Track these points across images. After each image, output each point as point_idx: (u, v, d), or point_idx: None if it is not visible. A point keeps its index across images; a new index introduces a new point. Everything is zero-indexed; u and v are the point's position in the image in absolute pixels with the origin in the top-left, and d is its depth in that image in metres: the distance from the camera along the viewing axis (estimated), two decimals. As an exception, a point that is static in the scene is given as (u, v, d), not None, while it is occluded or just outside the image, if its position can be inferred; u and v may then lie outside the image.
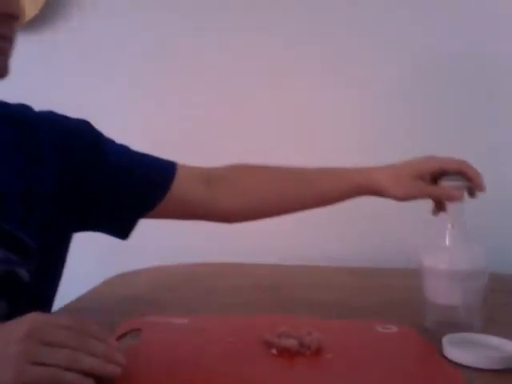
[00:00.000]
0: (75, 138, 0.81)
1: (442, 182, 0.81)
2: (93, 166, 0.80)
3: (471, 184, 0.80)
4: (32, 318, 0.53)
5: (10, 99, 0.87)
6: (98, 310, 0.91)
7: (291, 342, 0.68)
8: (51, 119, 0.81)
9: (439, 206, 0.83)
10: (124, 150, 0.86)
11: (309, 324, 0.76)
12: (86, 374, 0.51)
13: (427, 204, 0.84)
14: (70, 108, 1.43)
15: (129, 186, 0.83)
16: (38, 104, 1.42)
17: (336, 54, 1.35)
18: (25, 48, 1.45)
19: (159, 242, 1.33)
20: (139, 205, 0.85)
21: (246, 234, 1.38)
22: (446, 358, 0.67)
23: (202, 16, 1.38)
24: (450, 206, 0.80)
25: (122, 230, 0.86)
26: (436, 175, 0.82)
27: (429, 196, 0.83)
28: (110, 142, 0.86)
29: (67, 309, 0.88)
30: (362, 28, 1.34)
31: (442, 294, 0.78)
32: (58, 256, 0.81)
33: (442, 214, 0.83)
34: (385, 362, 0.66)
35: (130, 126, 1.41)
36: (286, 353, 0.67)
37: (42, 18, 1.39)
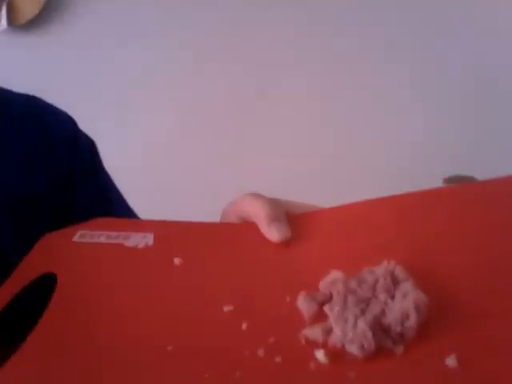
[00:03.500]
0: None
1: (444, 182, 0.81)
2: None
3: None
4: None
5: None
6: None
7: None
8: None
9: None
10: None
11: None
12: None
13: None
14: (70, 108, 1.44)
15: None
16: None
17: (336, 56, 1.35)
18: (25, 48, 1.45)
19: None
20: None
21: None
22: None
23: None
24: None
25: None
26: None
27: None
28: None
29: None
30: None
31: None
32: None
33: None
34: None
35: (129, 126, 1.41)
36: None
37: (42, 18, 1.40)
